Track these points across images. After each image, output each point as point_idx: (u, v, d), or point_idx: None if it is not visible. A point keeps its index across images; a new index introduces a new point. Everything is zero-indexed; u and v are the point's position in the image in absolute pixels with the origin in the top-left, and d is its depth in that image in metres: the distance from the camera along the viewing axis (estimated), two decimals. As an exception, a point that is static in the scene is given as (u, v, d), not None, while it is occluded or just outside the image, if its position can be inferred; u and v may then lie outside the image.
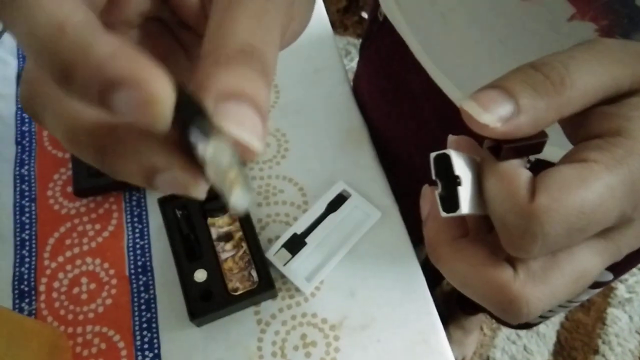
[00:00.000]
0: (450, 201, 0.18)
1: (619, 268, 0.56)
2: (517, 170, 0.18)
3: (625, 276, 1.34)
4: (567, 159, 0.18)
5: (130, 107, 0.13)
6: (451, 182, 0.18)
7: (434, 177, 0.19)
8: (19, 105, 0.56)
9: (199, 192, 0.17)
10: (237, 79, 0.16)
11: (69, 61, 0.13)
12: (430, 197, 0.21)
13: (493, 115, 0.17)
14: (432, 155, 0.18)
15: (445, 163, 0.18)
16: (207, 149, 0.15)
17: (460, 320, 1.21)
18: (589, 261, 0.19)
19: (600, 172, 0.17)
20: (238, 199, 0.16)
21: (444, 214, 0.18)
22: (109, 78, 0.13)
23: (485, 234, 0.21)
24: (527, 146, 0.18)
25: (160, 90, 0.13)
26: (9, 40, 0.60)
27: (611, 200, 0.17)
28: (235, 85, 0.16)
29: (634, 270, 1.35)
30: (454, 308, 1.20)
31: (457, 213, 0.18)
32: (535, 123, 0.17)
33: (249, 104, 0.16)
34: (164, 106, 0.13)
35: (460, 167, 0.18)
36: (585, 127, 0.19)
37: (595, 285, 0.59)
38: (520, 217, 0.17)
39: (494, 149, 0.18)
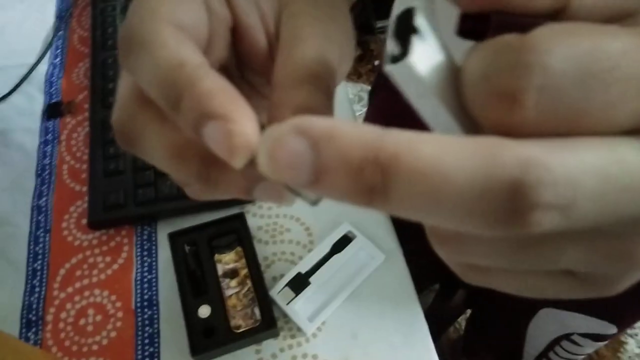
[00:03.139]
0: (402, 54, 0.13)
1: (621, 321, 0.55)
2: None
3: (636, 331, 1.31)
4: None
5: (215, 139, 0.15)
6: (408, 34, 0.13)
7: (390, 34, 0.14)
8: (42, 140, 0.59)
9: (290, 199, 0.18)
10: (308, 100, 0.18)
11: (180, 91, 0.16)
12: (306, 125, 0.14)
13: None
14: (394, 14, 0.14)
15: (409, 19, 0.14)
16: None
17: (466, 371, 1.18)
18: (628, 150, 0.12)
19: (626, 30, 0.12)
20: (307, 196, 0.17)
21: (388, 67, 0.13)
22: (204, 110, 0.16)
23: None
24: (520, 24, 0.13)
25: (242, 127, 0.15)
26: (36, 77, 0.64)
27: None
28: (307, 103, 0.18)
29: (645, 325, 1.32)
30: (459, 357, 1.17)
31: (406, 62, 0.13)
32: None
33: (318, 114, 0.18)
34: (243, 142, 0.15)
35: (425, 25, 0.14)
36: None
37: (600, 338, 0.58)
38: (510, 52, 0.12)
39: (476, 34, 0.14)
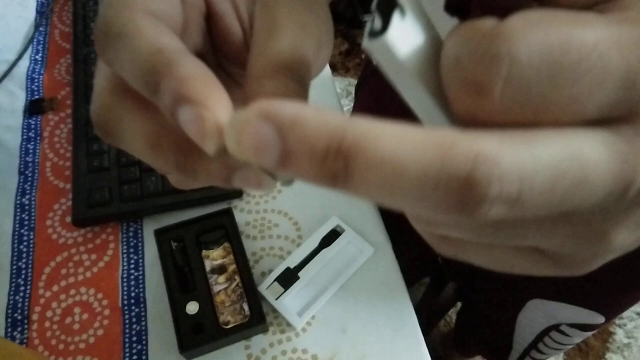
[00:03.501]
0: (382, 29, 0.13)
1: (609, 310, 0.56)
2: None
3: (624, 321, 1.33)
4: None
5: (188, 122, 0.16)
6: (390, 9, 0.13)
7: (373, 9, 0.13)
8: (24, 137, 0.58)
9: (270, 186, 0.18)
10: (282, 89, 0.18)
11: (160, 76, 0.16)
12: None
13: None
14: None
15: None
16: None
17: (457, 363, 1.19)
18: (589, 144, 0.12)
19: (601, 20, 0.12)
20: (281, 176, 0.17)
21: (366, 43, 0.13)
22: (180, 93, 0.16)
23: None
24: (499, 7, 0.13)
25: (214, 113, 0.16)
26: (17, 73, 0.62)
27: (615, 48, 0.12)
28: (281, 93, 0.18)
29: (633, 315, 1.34)
30: (450, 349, 1.18)
31: (382, 39, 0.13)
32: None
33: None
34: (213, 127, 0.15)
35: (409, 2, 0.13)
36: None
37: (588, 328, 0.59)
38: (479, 40, 0.12)
39: (460, 11, 0.14)
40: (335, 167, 0.12)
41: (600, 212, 0.13)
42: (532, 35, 0.12)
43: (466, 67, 0.12)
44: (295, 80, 0.18)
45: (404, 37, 0.13)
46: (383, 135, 0.12)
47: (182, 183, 0.22)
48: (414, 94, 0.14)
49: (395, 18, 0.13)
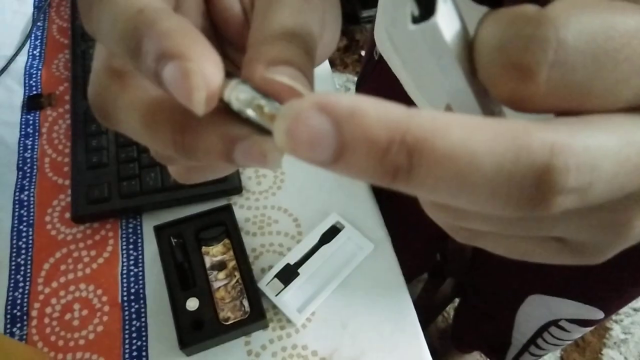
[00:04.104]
0: (424, 12, 0.13)
1: (608, 306, 0.56)
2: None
3: (621, 317, 1.33)
4: None
5: (173, 80, 0.14)
6: None
7: None
8: (23, 133, 0.57)
9: (276, 160, 0.16)
10: (284, 52, 0.17)
11: (141, 34, 0.15)
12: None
13: None
14: None
15: None
16: (226, 89, 0.15)
17: (455, 358, 1.19)
18: (638, 130, 0.12)
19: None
20: (277, 127, 0.16)
21: (411, 27, 0.13)
22: (162, 49, 0.15)
23: None
24: None
25: (201, 66, 0.14)
26: (15, 69, 0.62)
27: None
28: (283, 55, 0.17)
29: (629, 311, 1.34)
30: (448, 345, 1.18)
31: (430, 23, 0.13)
32: None
33: (296, 69, 0.17)
34: (200, 81, 0.14)
35: None
36: None
37: (587, 323, 0.59)
38: (526, 24, 0.12)
39: (491, 1, 0.14)
40: (398, 161, 0.11)
41: (628, 199, 0.13)
42: (577, 20, 0.12)
43: (511, 50, 0.12)
44: (299, 47, 0.17)
45: (447, 21, 0.13)
46: (451, 125, 0.11)
47: (183, 176, 0.21)
48: (453, 80, 0.14)
49: (440, 3, 0.13)
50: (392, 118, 0.11)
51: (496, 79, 0.13)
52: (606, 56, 0.12)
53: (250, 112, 0.15)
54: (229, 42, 0.23)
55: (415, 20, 0.13)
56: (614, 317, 1.33)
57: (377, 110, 0.11)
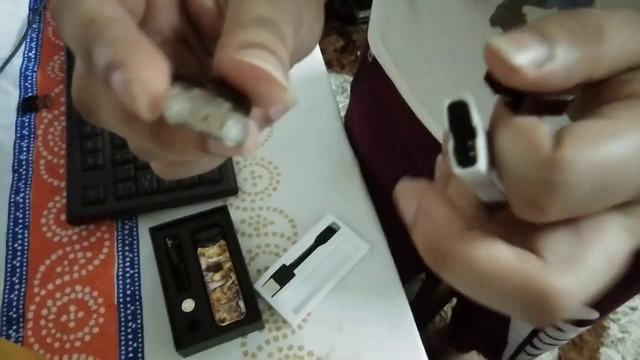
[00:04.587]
0: (465, 154, 0.15)
1: (603, 306, 0.56)
2: (537, 121, 0.15)
3: (618, 315, 1.34)
4: (589, 116, 0.16)
5: (118, 88, 0.15)
6: (467, 132, 0.15)
7: (447, 128, 0.16)
8: (18, 135, 0.57)
9: (250, 148, 0.17)
10: (257, 36, 0.17)
11: (91, 44, 0.16)
12: (422, 189, 0.18)
13: (527, 57, 0.15)
14: (447, 102, 0.16)
15: (460, 112, 0.16)
16: (167, 108, 0.16)
17: (452, 358, 1.19)
18: (618, 237, 0.16)
19: (626, 129, 0.15)
20: (227, 133, 0.16)
21: (457, 170, 0.15)
22: (107, 58, 0.15)
23: (485, 223, 0.18)
24: (551, 102, 0.16)
25: (142, 74, 0.15)
26: (11, 71, 0.62)
27: (637, 159, 0.15)
28: (255, 39, 0.17)
29: (627, 309, 1.35)
30: (446, 345, 1.19)
31: (474, 169, 0.15)
32: (568, 74, 0.15)
33: (269, 52, 0.17)
34: (141, 90, 0.15)
35: (478, 117, 0.16)
36: (603, 93, 0.17)
37: (582, 323, 0.59)
38: (541, 168, 0.14)
39: (510, 105, 0.16)
40: (435, 261, 0.17)
41: None
42: (585, 162, 0.14)
43: (528, 190, 0.15)
44: (272, 33, 0.17)
45: (484, 153, 0.15)
46: (480, 252, 0.16)
47: (165, 171, 0.21)
48: (485, 189, 0.17)
49: (480, 147, 0.15)
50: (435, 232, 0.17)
51: (513, 203, 0.16)
52: (603, 189, 0.15)
53: (190, 123, 0.16)
54: (205, 36, 0.23)
55: (462, 164, 0.15)
56: (611, 315, 1.33)
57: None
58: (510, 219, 0.16)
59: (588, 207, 0.15)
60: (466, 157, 0.15)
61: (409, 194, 0.18)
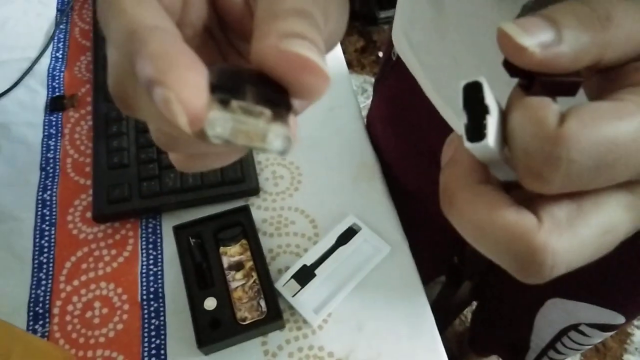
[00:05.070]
0: (476, 131, 0.17)
1: (629, 310, 0.55)
2: (546, 101, 0.16)
3: (643, 322, 1.31)
4: (600, 98, 0.17)
5: (160, 105, 0.15)
6: (479, 111, 0.17)
7: (461, 107, 0.17)
8: (46, 133, 0.59)
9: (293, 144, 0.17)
10: (298, 26, 0.17)
11: (134, 56, 0.16)
12: (455, 142, 0.19)
13: (533, 39, 0.16)
14: (462, 83, 0.17)
15: (475, 93, 0.17)
16: (208, 129, 0.16)
17: (472, 362, 1.18)
18: (617, 215, 0.17)
19: (636, 110, 0.16)
20: (270, 146, 0.17)
21: (468, 144, 0.17)
22: (147, 75, 0.15)
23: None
24: (561, 83, 0.17)
25: (179, 93, 0.15)
26: (39, 71, 0.63)
27: None
28: (296, 28, 0.17)
29: (652, 316, 1.32)
30: (465, 349, 1.17)
31: (483, 143, 0.16)
32: (575, 56, 0.16)
33: (310, 41, 0.17)
34: (179, 109, 0.15)
35: (491, 98, 0.17)
36: (616, 81, 0.17)
37: (608, 328, 0.58)
38: (545, 141, 0.15)
39: (524, 86, 0.17)
40: (444, 202, 0.18)
41: None
42: (586, 139, 0.15)
43: (533, 162, 0.16)
44: (310, 24, 0.17)
45: (493, 130, 0.17)
46: (482, 202, 0.17)
47: (184, 164, 0.22)
48: (492, 161, 0.18)
49: (490, 123, 0.16)
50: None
51: (520, 175, 0.17)
52: (606, 165, 0.15)
53: (233, 141, 0.16)
54: (232, 29, 0.23)
55: (471, 139, 0.17)
56: (635, 322, 1.30)
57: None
58: (523, 196, 0.17)
59: (590, 182, 0.16)
60: (478, 134, 0.17)
61: (452, 143, 0.19)
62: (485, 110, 0.17)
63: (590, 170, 0.15)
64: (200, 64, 0.16)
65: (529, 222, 0.16)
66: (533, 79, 0.17)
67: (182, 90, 0.15)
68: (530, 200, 0.17)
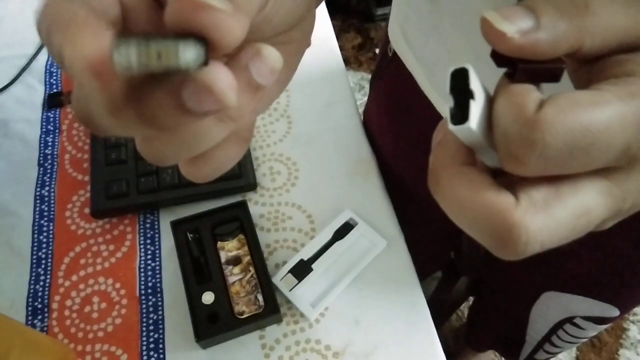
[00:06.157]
0: (460, 114, 0.17)
1: (623, 303, 0.55)
2: (528, 88, 0.17)
3: (638, 317, 1.31)
4: (579, 88, 0.18)
5: (69, 69, 0.16)
6: (465, 96, 0.17)
7: (448, 92, 0.18)
8: (43, 130, 0.59)
9: (230, 98, 0.17)
10: None
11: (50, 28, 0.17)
12: (444, 127, 0.20)
13: (513, 26, 0.17)
14: (450, 69, 0.18)
15: (462, 79, 0.18)
16: (113, 56, 0.15)
17: (469, 358, 1.19)
18: (593, 199, 0.18)
19: (612, 99, 0.16)
20: (183, 58, 0.16)
21: (451, 127, 0.18)
22: (58, 46, 0.16)
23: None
24: (543, 69, 0.18)
25: (80, 44, 0.15)
26: (36, 67, 0.63)
27: (619, 128, 0.16)
28: None
29: (647, 311, 1.33)
30: (462, 345, 1.18)
31: (465, 126, 0.17)
32: (554, 42, 0.17)
33: None
34: (81, 56, 0.15)
35: (476, 84, 0.18)
36: (597, 73, 0.18)
37: (602, 321, 0.59)
38: (523, 125, 0.16)
39: (509, 75, 0.18)
40: (430, 181, 0.19)
41: None
42: (561, 124, 0.16)
43: (511, 145, 0.17)
44: None
45: (476, 117, 0.17)
46: (463, 181, 0.18)
47: (190, 171, 0.22)
48: (477, 145, 0.19)
49: (472, 108, 0.17)
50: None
51: (500, 156, 0.18)
52: (580, 150, 0.16)
53: (143, 63, 0.15)
54: None
55: (455, 122, 0.17)
56: (630, 317, 1.31)
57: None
58: (508, 182, 0.18)
59: (565, 166, 0.17)
60: (462, 117, 0.17)
61: (442, 128, 0.20)
62: (470, 95, 0.17)
63: (565, 154, 0.16)
64: (102, 24, 0.16)
65: (506, 201, 0.17)
66: (517, 67, 0.17)
67: (77, 42, 0.15)
68: (512, 184, 0.18)
